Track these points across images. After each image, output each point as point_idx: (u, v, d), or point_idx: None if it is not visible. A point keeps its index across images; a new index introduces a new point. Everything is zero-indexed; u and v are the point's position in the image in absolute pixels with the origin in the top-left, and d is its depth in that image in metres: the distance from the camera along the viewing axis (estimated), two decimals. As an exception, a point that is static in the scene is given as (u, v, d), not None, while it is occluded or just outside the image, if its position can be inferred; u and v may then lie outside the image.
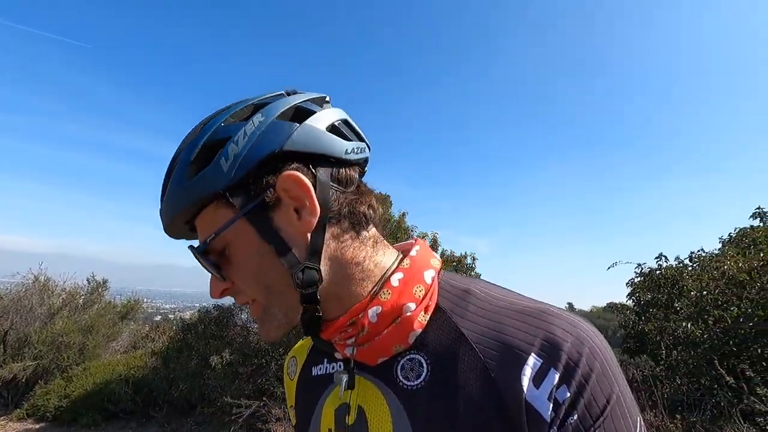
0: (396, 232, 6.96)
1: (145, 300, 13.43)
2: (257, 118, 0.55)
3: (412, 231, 7.31)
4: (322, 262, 0.55)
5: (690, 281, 4.35)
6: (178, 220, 0.57)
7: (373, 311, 0.55)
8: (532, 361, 0.47)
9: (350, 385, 0.56)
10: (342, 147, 0.57)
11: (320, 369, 0.66)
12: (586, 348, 0.48)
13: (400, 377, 0.55)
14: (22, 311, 9.40)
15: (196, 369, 7.01)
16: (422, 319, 0.55)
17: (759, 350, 3.38)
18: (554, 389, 0.46)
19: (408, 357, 0.55)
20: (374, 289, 0.58)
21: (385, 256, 0.61)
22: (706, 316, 3.97)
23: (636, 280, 5.31)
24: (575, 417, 0.45)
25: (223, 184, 0.53)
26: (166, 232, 0.60)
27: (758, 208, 5.41)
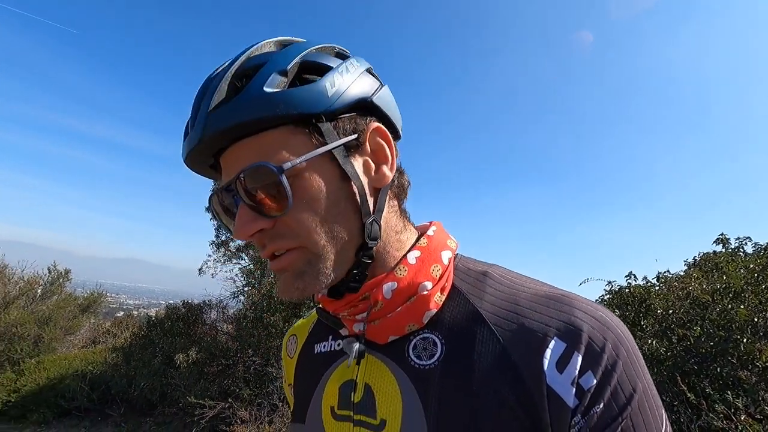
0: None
1: (109, 294, 12.87)
2: (354, 61, 0.54)
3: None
4: (381, 222, 0.55)
5: (657, 300, 4.51)
6: (216, 139, 0.48)
7: (387, 287, 0.52)
8: (553, 345, 0.46)
9: (362, 355, 0.54)
10: (400, 120, 0.60)
11: (324, 346, 0.64)
12: (611, 334, 0.46)
13: (412, 356, 0.53)
14: (-26, 298, 8.88)
15: (160, 367, 6.77)
16: (438, 299, 0.53)
17: (718, 369, 3.52)
18: (578, 375, 0.44)
19: (421, 336, 0.53)
20: (393, 265, 0.56)
21: (409, 233, 0.60)
22: (670, 335, 4.11)
23: (605, 297, 5.46)
24: (601, 406, 0.43)
25: (322, 108, 0.49)
26: (189, 153, 0.51)
27: (721, 234, 5.66)
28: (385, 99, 0.56)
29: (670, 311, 4.21)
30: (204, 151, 0.50)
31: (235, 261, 8.05)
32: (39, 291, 10.13)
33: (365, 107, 0.54)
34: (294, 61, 0.49)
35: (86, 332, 10.75)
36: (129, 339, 8.66)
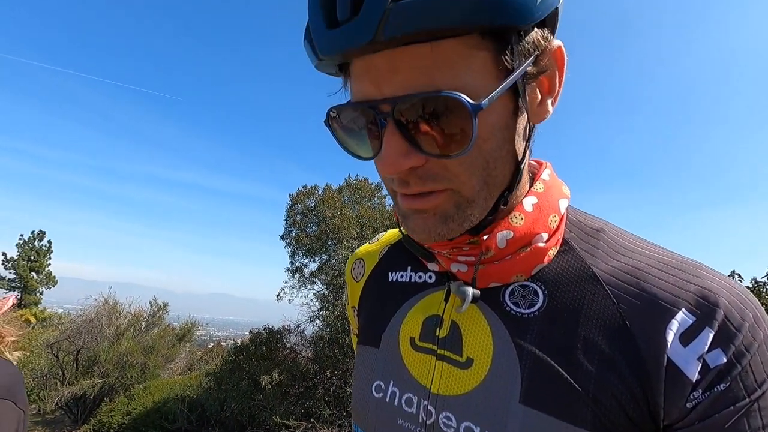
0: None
1: (201, 326, 14.05)
2: None
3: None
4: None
5: (771, 300, 3.95)
6: (392, 42, 0.36)
7: (502, 236, 0.48)
8: (681, 317, 0.42)
9: (475, 299, 0.49)
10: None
11: (401, 276, 0.62)
12: (750, 314, 0.42)
13: (508, 302, 0.50)
14: (93, 332, 10.13)
15: (247, 390, 7.16)
16: (552, 253, 0.49)
17: None
18: (706, 351, 0.41)
19: (520, 283, 0.50)
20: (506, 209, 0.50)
21: (526, 173, 0.52)
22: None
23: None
24: (727, 385, 0.40)
25: (529, 21, 0.38)
26: (342, 50, 0.38)
27: None
28: (557, 5, 0.43)
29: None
30: (361, 51, 0.38)
31: (309, 286, 8.41)
32: (143, 323, 11.31)
33: (552, 18, 0.43)
34: None
35: (183, 360, 11.74)
36: (219, 365, 9.30)
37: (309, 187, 8.56)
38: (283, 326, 8.14)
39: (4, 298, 1.07)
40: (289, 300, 8.47)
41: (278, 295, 8.57)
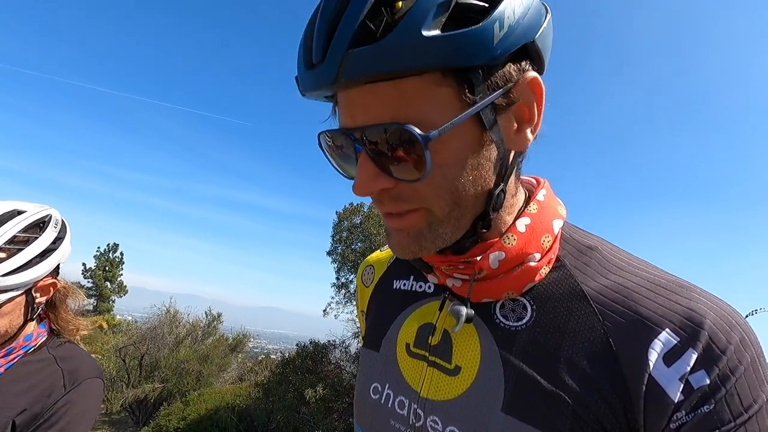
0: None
1: (252, 338, 14.64)
2: None
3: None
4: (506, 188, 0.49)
5: None
6: (351, 82, 0.41)
7: (494, 257, 0.49)
8: (664, 337, 0.42)
9: (470, 319, 0.50)
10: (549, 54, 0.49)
11: (404, 284, 0.65)
12: (736, 336, 0.42)
13: (498, 315, 0.52)
14: (156, 338, 10.89)
15: (292, 402, 7.33)
16: (544, 272, 0.50)
17: None
18: (689, 372, 0.41)
19: (511, 297, 0.52)
20: (502, 230, 0.52)
21: (520, 194, 0.54)
22: None
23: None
24: (711, 407, 0.40)
25: (484, 60, 0.40)
26: (313, 89, 0.43)
27: None
28: (547, 36, 0.46)
29: None
30: (329, 89, 0.43)
31: (354, 302, 8.51)
32: (200, 333, 11.98)
33: (523, 49, 0.44)
34: None
35: (234, 370, 12.24)
36: (268, 376, 9.60)
37: (355, 204, 8.77)
38: (329, 341, 8.28)
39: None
40: (335, 315, 8.64)
41: (325, 311, 8.76)
